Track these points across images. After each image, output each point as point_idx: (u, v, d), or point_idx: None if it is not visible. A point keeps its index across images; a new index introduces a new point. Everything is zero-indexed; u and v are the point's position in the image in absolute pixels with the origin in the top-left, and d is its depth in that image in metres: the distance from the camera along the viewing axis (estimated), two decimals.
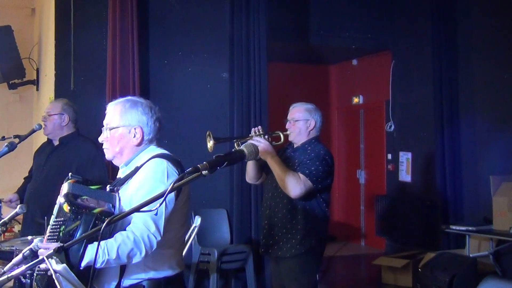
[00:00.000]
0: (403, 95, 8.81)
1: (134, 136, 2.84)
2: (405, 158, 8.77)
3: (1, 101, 7.34)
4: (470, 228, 6.66)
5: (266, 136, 4.20)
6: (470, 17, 7.72)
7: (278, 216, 4.19)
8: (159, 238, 2.58)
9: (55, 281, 1.84)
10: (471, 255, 6.64)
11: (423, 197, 8.20)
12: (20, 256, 2.96)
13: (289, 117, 4.32)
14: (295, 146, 4.32)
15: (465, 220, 7.22)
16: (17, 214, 3.52)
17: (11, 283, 4.76)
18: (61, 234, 2.47)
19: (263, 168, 4.31)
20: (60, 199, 2.50)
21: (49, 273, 2.48)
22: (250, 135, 4.25)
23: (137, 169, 2.77)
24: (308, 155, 4.14)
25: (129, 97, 2.94)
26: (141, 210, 2.06)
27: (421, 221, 8.08)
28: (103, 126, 5.04)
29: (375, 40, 8.73)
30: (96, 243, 2.37)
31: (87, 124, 5.19)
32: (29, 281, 3.04)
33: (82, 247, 2.38)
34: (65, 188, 2.61)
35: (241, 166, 5.96)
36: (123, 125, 2.84)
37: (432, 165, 7.89)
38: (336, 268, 8.69)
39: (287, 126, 4.31)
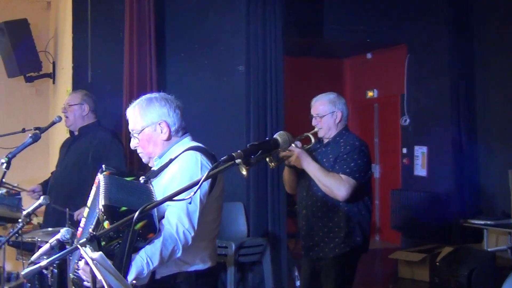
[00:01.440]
0: (419, 88, 8.78)
1: (162, 132, 2.84)
2: (420, 152, 8.74)
3: (17, 94, 7.35)
4: (488, 222, 6.64)
5: (296, 142, 3.95)
6: (486, 9, 7.67)
7: (317, 215, 4.01)
8: (193, 233, 2.57)
9: (93, 268, 1.83)
10: (489, 249, 6.62)
11: (439, 192, 8.16)
12: (47, 246, 2.97)
13: (313, 112, 4.08)
14: (325, 141, 4.11)
15: (483, 214, 7.19)
16: (40, 205, 3.52)
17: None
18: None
19: (298, 173, 4.13)
20: (99, 211, 2.40)
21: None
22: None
23: (170, 160, 2.77)
24: (343, 149, 3.94)
25: (143, 97, 2.92)
26: (174, 199, 2.03)
27: (437, 215, 8.04)
28: (120, 118, 5.06)
29: (390, 33, 8.67)
30: (136, 257, 2.39)
31: (104, 117, 5.21)
32: (49, 275, 3.02)
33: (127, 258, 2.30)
34: (101, 195, 2.49)
35: None
36: (146, 125, 2.83)
37: (449, 159, 7.86)
38: None
39: (313, 123, 4.09)
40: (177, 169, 2.71)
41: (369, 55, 10.21)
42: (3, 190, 2.82)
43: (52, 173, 5.29)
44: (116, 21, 6.28)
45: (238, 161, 1.93)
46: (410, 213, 8.72)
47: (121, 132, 5.80)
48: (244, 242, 6.35)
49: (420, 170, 8.74)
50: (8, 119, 7.21)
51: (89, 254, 1.89)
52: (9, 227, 4.96)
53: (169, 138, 2.85)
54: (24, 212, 3.48)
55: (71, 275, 2.66)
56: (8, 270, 4.95)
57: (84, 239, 2.09)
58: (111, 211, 2.36)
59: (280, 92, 6.67)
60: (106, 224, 2.36)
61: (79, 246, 2.02)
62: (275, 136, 2.12)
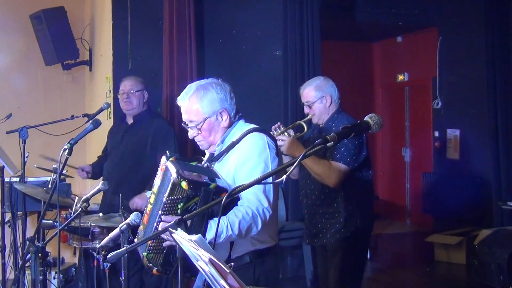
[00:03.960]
0: (451, 71, 8.72)
1: (222, 119, 2.84)
2: (453, 135, 8.71)
3: (55, 82, 7.39)
4: None
5: (289, 131, 3.99)
6: None
7: (316, 203, 4.05)
8: (271, 212, 2.64)
9: (189, 249, 1.86)
10: None
11: (473, 175, 8.14)
12: (117, 230, 3.04)
13: (303, 100, 4.11)
14: (320, 126, 4.11)
15: None
16: (99, 190, 3.58)
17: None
18: (179, 211, 2.50)
19: None
20: (173, 178, 2.48)
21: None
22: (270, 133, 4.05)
23: (233, 144, 2.79)
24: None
25: (195, 85, 2.88)
26: (262, 182, 2.06)
27: (471, 198, 8.01)
28: (160, 104, 5.06)
29: (421, 16, 8.62)
30: (216, 219, 2.41)
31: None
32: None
33: (204, 222, 2.39)
34: (170, 167, 2.58)
35: None
36: (208, 116, 2.82)
37: (483, 142, 7.82)
38: (385, 246, 8.69)
39: (305, 111, 4.12)
40: (247, 151, 2.74)
41: (399, 38, 10.16)
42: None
43: (98, 157, 5.34)
44: (155, 8, 6.30)
45: (329, 144, 1.95)
46: (442, 196, 8.69)
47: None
48: (283, 227, 6.38)
49: (453, 153, 8.71)
50: (45, 106, 7.28)
51: (186, 236, 1.91)
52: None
53: (230, 125, 2.87)
54: (83, 198, 3.54)
55: (144, 253, 2.71)
56: (54, 255, 5.04)
57: (172, 223, 2.12)
58: (188, 177, 2.50)
59: None
60: (183, 184, 2.46)
61: (170, 229, 2.06)
62: (365, 118, 2.13)
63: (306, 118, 4.13)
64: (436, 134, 9.18)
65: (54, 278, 5.56)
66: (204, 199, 2.43)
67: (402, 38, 10.14)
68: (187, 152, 5.77)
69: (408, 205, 10.27)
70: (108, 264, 3.92)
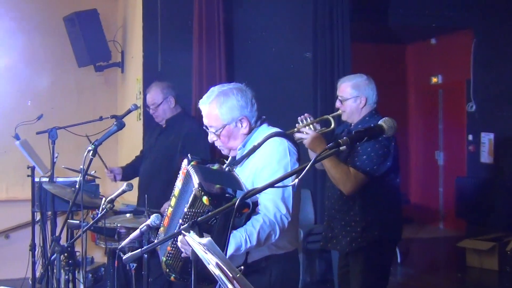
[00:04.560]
0: (486, 74, 8.59)
1: (242, 126, 2.82)
2: (487, 139, 8.57)
3: (87, 83, 7.48)
4: None
5: (315, 124, 3.82)
6: None
7: (335, 207, 3.90)
8: (289, 218, 2.61)
9: (200, 253, 1.86)
10: None
11: (507, 179, 8.00)
12: (137, 232, 3.05)
13: (338, 94, 3.94)
14: (351, 125, 3.94)
15: None
16: (123, 191, 3.61)
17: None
18: None
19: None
20: (195, 190, 2.42)
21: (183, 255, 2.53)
22: (297, 125, 3.79)
23: (254, 148, 2.78)
24: None
25: (217, 90, 2.85)
26: (276, 185, 2.05)
27: (505, 203, 7.88)
28: (189, 106, 5.04)
29: (456, 18, 8.51)
30: (235, 232, 2.41)
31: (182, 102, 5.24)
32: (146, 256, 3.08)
33: (224, 237, 2.33)
34: (193, 176, 2.53)
35: None
36: (227, 122, 2.81)
37: None
38: (417, 251, 8.60)
39: (337, 105, 3.95)
40: (267, 156, 2.72)
41: (433, 40, 10.04)
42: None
43: (136, 157, 5.40)
44: (185, 10, 6.34)
45: (342, 148, 1.93)
46: (476, 200, 8.57)
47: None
48: (311, 230, 6.36)
49: (487, 157, 8.57)
50: (78, 107, 7.37)
51: (196, 239, 1.91)
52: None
53: (249, 132, 2.85)
54: (108, 198, 3.57)
55: (163, 258, 2.71)
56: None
57: (186, 225, 2.13)
58: (210, 191, 2.41)
59: None
60: (204, 199, 2.39)
61: (183, 232, 2.06)
62: (380, 122, 2.10)
63: (335, 113, 3.98)
64: (470, 137, 9.05)
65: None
66: (225, 215, 2.38)
67: (436, 40, 10.01)
68: (216, 153, 5.78)
69: (441, 209, 10.13)
70: (134, 265, 3.96)
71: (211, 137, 2.89)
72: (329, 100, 6.58)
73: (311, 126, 3.78)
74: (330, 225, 3.96)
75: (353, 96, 3.84)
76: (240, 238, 2.48)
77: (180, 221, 2.53)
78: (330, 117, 3.98)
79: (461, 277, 7.26)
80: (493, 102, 8.43)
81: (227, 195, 2.42)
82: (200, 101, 2.88)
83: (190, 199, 2.47)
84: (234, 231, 2.47)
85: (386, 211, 3.81)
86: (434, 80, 10.20)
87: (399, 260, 7.26)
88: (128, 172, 5.15)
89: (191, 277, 2.63)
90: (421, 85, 10.62)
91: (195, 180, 2.46)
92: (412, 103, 10.81)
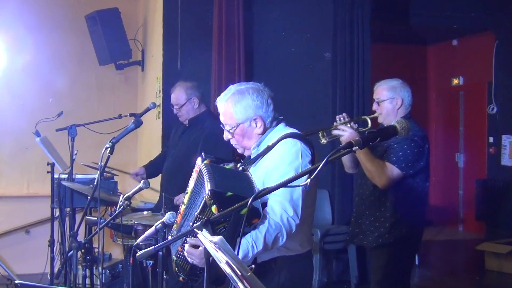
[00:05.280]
0: (508, 76, 8.50)
1: (256, 126, 2.82)
2: (508, 141, 8.49)
3: (108, 82, 7.55)
4: None
5: (352, 123, 3.99)
6: None
7: (365, 203, 4.03)
8: (297, 221, 2.57)
9: (212, 252, 1.87)
10: None
11: None
12: (152, 229, 3.07)
13: (374, 96, 4.07)
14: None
15: None
16: (140, 189, 3.63)
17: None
18: None
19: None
20: (206, 197, 2.39)
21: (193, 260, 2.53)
22: (334, 123, 3.98)
23: (268, 148, 2.76)
24: (395, 138, 3.90)
25: (234, 88, 2.86)
26: (289, 185, 2.05)
27: None
28: (208, 105, 5.04)
29: (477, 19, 8.43)
30: (243, 240, 2.41)
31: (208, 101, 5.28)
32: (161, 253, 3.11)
33: (233, 244, 2.32)
34: (206, 180, 2.49)
35: None
36: (241, 121, 2.82)
37: None
38: (436, 253, 8.54)
39: (373, 108, 4.07)
40: (278, 157, 2.70)
41: (455, 42, 9.97)
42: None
43: (159, 155, 5.43)
44: (205, 9, 6.37)
45: (355, 148, 1.93)
46: (496, 203, 8.49)
47: None
48: (329, 230, 6.36)
49: (508, 159, 8.49)
50: (99, 105, 7.44)
51: (208, 237, 1.93)
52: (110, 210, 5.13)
53: (263, 132, 2.85)
54: (125, 196, 3.60)
55: (174, 257, 2.73)
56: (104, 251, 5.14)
57: (199, 223, 2.14)
58: (218, 196, 2.37)
59: (368, 80, 6.62)
60: (213, 208, 2.37)
61: (196, 230, 2.07)
62: (393, 123, 2.11)
63: (372, 115, 4.10)
64: (491, 140, 8.96)
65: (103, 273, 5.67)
66: (233, 225, 2.37)
67: (458, 41, 9.93)
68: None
69: (461, 212, 10.06)
70: (151, 262, 3.99)
71: (226, 135, 2.90)
72: (348, 101, 6.58)
73: (348, 124, 3.95)
74: (358, 221, 4.08)
75: (390, 97, 3.99)
76: (247, 245, 2.46)
77: (191, 224, 2.52)
78: (368, 118, 4.11)
79: (479, 280, 7.20)
80: None
81: (236, 204, 2.36)
82: (218, 98, 2.90)
83: (201, 205, 2.46)
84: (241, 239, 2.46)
85: (415, 210, 3.95)
86: (455, 81, 10.12)
87: (417, 262, 7.22)
88: (150, 171, 5.20)
89: (199, 279, 2.66)
90: (442, 86, 10.54)
91: (207, 186, 2.43)
92: (433, 105, 10.74)
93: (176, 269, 2.72)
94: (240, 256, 2.44)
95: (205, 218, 2.20)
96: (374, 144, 3.85)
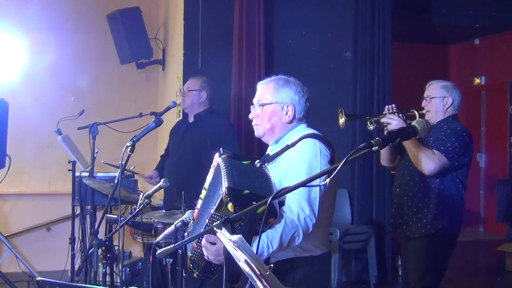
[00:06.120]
0: None
1: (286, 114, 2.86)
2: None
3: (129, 80, 7.60)
4: None
5: (401, 114, 4.07)
6: None
7: (408, 194, 4.09)
8: (314, 220, 2.57)
9: (231, 250, 1.88)
10: None
11: None
12: (172, 227, 3.09)
13: (425, 94, 4.16)
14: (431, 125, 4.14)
15: None
16: (160, 187, 3.65)
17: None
18: None
19: (397, 149, 4.20)
20: (222, 194, 2.38)
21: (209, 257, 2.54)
22: (383, 112, 4.11)
23: (287, 147, 2.76)
24: (444, 132, 3.97)
25: (280, 76, 2.96)
26: (308, 184, 2.06)
27: None
28: (228, 104, 5.04)
29: (500, 19, 8.35)
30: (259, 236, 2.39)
31: (214, 103, 5.28)
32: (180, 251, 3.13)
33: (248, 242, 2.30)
34: (223, 178, 2.48)
35: None
36: (276, 101, 2.87)
37: None
38: (456, 254, 8.39)
39: (423, 104, 4.15)
40: (296, 156, 2.71)
41: (477, 41, 9.89)
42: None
43: (161, 156, 5.45)
44: (226, 8, 6.39)
45: (374, 148, 1.92)
46: None
47: (229, 118, 5.94)
48: (348, 229, 6.34)
49: None
50: (120, 104, 7.49)
51: (227, 236, 1.94)
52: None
53: (290, 122, 2.89)
54: (145, 194, 3.62)
55: (189, 253, 2.74)
56: (124, 249, 5.17)
57: (219, 222, 2.14)
58: (234, 194, 2.37)
59: (388, 79, 6.60)
60: (229, 206, 2.37)
61: (215, 228, 2.08)
62: (413, 123, 2.11)
63: (421, 111, 4.18)
64: None
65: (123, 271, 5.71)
66: (249, 223, 2.36)
67: (480, 40, 9.85)
68: (253, 151, 5.81)
69: (482, 212, 9.98)
70: (170, 260, 4.01)
71: (252, 113, 2.95)
72: (368, 100, 6.55)
73: (397, 115, 4.05)
74: (400, 212, 4.15)
75: (442, 95, 4.08)
76: (262, 244, 2.46)
77: (207, 221, 2.52)
78: (416, 112, 4.18)
79: (499, 281, 7.13)
80: None
81: (254, 202, 2.35)
82: (260, 81, 2.99)
83: (217, 203, 2.45)
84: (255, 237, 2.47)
85: (457, 204, 4.02)
86: (477, 81, 10.05)
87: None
88: (162, 173, 5.22)
89: (213, 276, 2.66)
90: (464, 86, 10.42)
91: (224, 183, 2.42)
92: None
93: (191, 265, 2.73)
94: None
95: (224, 216, 2.21)
96: (421, 138, 3.94)
